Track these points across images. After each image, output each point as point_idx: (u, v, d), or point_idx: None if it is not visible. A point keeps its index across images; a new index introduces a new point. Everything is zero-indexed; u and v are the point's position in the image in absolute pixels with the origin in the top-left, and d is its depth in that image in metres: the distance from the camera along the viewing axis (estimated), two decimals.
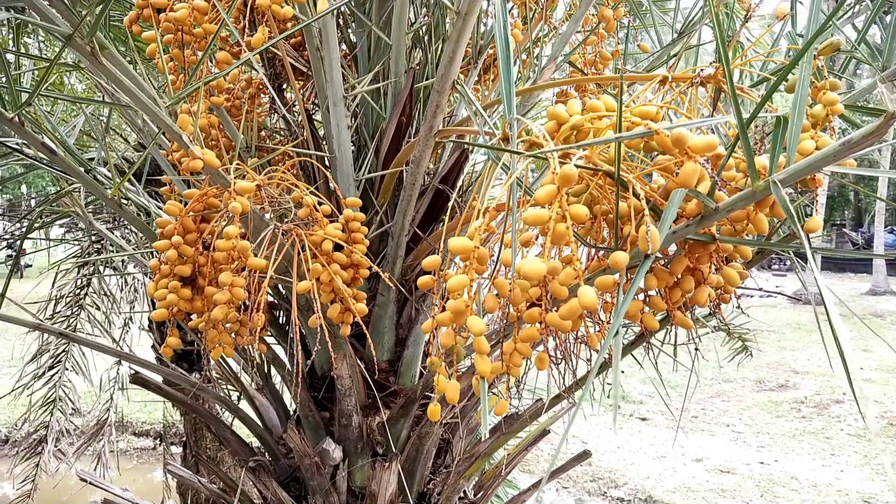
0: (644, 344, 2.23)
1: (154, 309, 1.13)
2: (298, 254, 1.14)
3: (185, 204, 1.17)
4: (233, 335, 1.18)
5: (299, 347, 1.17)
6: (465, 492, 1.65)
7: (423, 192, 1.57)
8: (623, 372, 7.89)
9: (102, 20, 0.95)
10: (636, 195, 0.87)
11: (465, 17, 1.02)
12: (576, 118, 0.90)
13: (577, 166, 0.81)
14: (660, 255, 0.97)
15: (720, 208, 0.78)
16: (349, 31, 1.80)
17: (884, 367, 9.49)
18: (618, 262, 0.75)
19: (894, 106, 0.61)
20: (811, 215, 0.99)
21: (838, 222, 25.38)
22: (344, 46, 1.83)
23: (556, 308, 0.80)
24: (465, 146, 1.66)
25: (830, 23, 1.04)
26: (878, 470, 5.99)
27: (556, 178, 0.72)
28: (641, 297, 0.97)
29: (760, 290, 1.38)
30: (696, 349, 2.28)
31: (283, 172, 1.24)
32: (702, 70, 0.94)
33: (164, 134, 1.60)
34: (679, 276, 0.95)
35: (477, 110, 1.06)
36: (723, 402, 8.07)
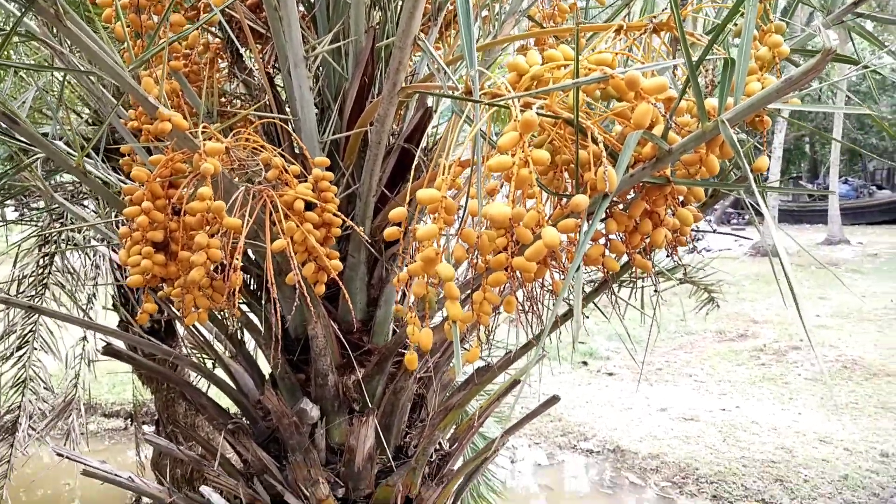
0: (611, 299, 2.31)
1: (121, 283, 1.14)
2: (270, 215, 1.15)
3: (152, 171, 1.16)
4: (208, 299, 1.20)
5: (276, 309, 1.19)
6: (440, 443, 1.70)
7: (388, 152, 1.59)
8: (585, 327, 8.08)
9: None
10: (595, 141, 0.91)
11: None
12: (535, 68, 0.93)
13: (538, 114, 0.84)
14: (618, 200, 1.01)
15: (673, 150, 0.82)
16: None
17: (839, 313, 9.89)
18: (578, 205, 0.79)
19: (830, 43, 0.65)
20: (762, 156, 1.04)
21: (795, 175, 26.04)
22: (302, 7, 1.81)
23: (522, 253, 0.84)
24: (429, 105, 1.68)
25: None
26: (832, 410, 6.30)
27: (517, 124, 0.75)
28: (603, 241, 1.01)
29: (714, 231, 1.44)
30: (657, 300, 2.37)
31: (250, 134, 1.24)
32: (654, 18, 0.98)
33: (124, 102, 1.58)
34: (637, 219, 1.00)
35: (439, 65, 1.08)
36: (685, 354, 8.33)
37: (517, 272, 0.87)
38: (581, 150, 0.88)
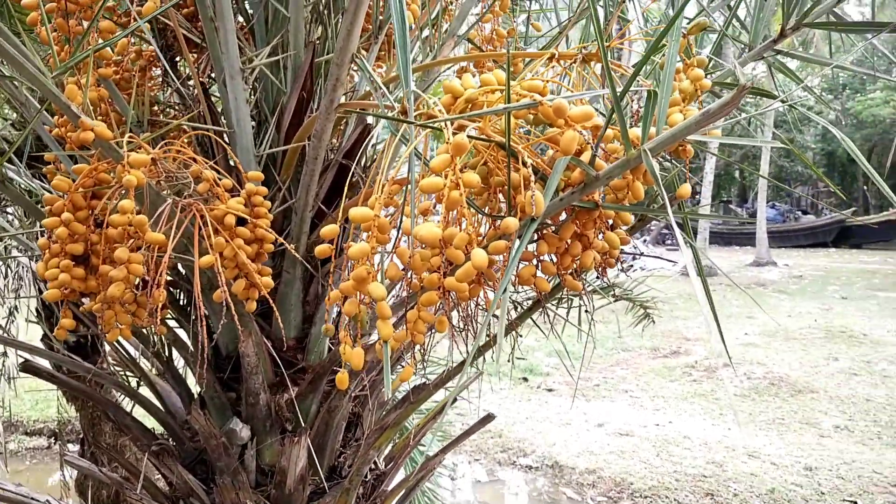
0: (548, 315, 2.33)
1: (43, 295, 1.08)
2: (199, 229, 1.12)
3: (75, 181, 1.12)
4: (131, 316, 1.15)
5: (203, 326, 1.16)
6: (376, 462, 1.68)
7: (326, 167, 1.57)
8: (524, 344, 8.16)
9: None
10: (525, 164, 0.93)
11: None
12: (470, 92, 0.94)
13: (471, 137, 0.85)
14: (550, 222, 1.03)
15: (600, 176, 0.85)
16: (245, 2, 1.76)
17: (766, 332, 10.31)
18: (508, 227, 0.80)
19: (743, 79, 0.68)
20: (685, 183, 1.08)
21: (725, 199, 27.15)
22: (241, 18, 1.79)
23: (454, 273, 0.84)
24: (369, 121, 1.68)
25: (700, 7, 1.13)
26: (760, 426, 6.54)
27: (449, 147, 0.75)
28: (535, 262, 1.03)
29: (642, 254, 1.49)
30: (594, 317, 2.41)
31: (181, 145, 1.21)
32: (584, 48, 1.01)
33: (48, 108, 1.52)
34: (568, 241, 1.02)
35: (376, 84, 1.08)
36: (622, 370, 8.52)
37: (450, 292, 0.88)
38: (514, 172, 0.89)
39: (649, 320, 4.30)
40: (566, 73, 1.07)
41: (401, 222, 0.91)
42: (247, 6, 1.74)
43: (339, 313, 1.42)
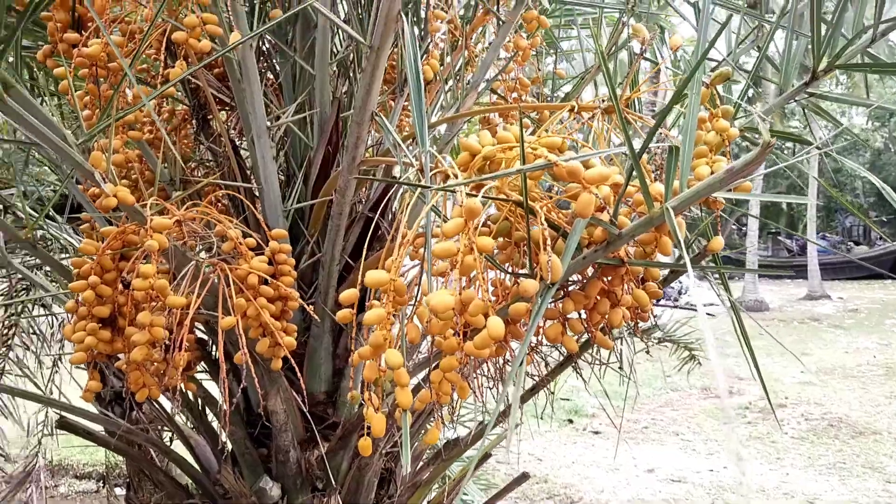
0: (592, 360, 2.27)
1: (70, 358, 1.10)
2: (224, 289, 1.13)
3: (104, 242, 1.14)
4: (158, 375, 1.16)
5: (226, 385, 1.15)
6: None
7: (353, 221, 1.58)
8: (557, 386, 7.96)
9: (10, 59, 0.93)
10: (550, 223, 0.90)
11: (378, 52, 1.04)
12: (487, 149, 0.93)
13: (488, 197, 0.83)
14: (575, 279, 1.00)
15: (623, 234, 0.81)
16: (274, 61, 1.80)
17: (823, 369, 9.87)
18: (527, 290, 0.77)
19: (767, 136, 0.65)
20: (721, 234, 1.04)
21: (773, 230, 26.43)
22: (270, 75, 1.83)
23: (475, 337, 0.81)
24: (395, 174, 1.68)
25: (720, 52, 1.10)
26: (820, 471, 6.20)
27: (462, 210, 0.74)
28: (561, 320, 0.99)
29: (676, 306, 1.43)
30: (636, 357, 2.33)
31: (206, 206, 1.23)
32: (603, 101, 0.98)
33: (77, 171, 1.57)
34: (596, 298, 0.98)
35: (396, 142, 1.08)
36: (672, 411, 8.23)
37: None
38: (536, 229, 0.86)
39: (695, 362, 4.16)
40: (588, 124, 1.05)
41: (420, 283, 0.90)
42: (276, 64, 1.78)
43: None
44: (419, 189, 0.90)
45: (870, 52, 1.25)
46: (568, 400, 8.55)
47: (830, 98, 1.19)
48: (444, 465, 1.49)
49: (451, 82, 1.66)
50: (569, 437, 7.55)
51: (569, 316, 0.98)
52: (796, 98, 1.23)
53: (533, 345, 1.17)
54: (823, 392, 8.47)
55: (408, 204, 0.98)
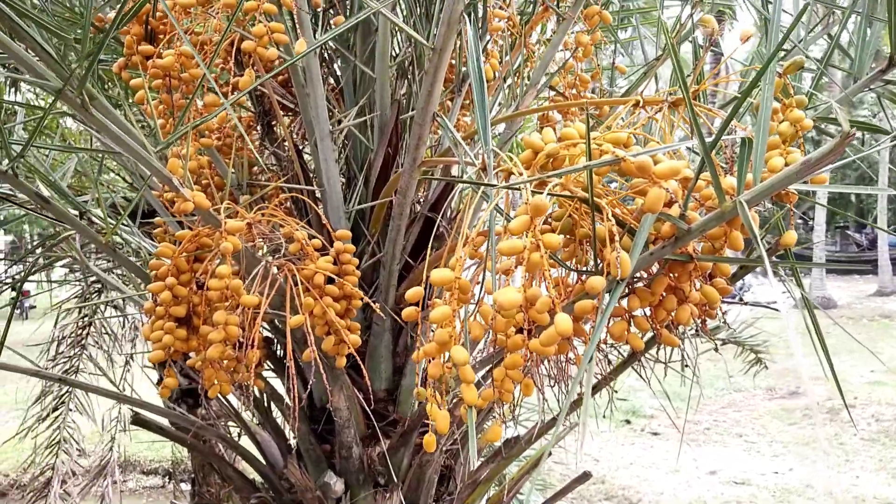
0: (651, 359, 2.25)
1: (148, 356, 1.15)
2: (291, 288, 1.16)
3: (178, 244, 1.19)
4: (230, 372, 1.20)
5: (295, 381, 1.18)
6: None
7: (412, 221, 1.59)
8: (627, 384, 7.85)
9: (92, 72, 0.98)
10: (616, 219, 0.89)
11: (440, 53, 1.05)
12: (550, 146, 0.93)
13: (553, 194, 0.83)
14: (641, 275, 0.99)
15: (692, 230, 0.80)
16: (335, 65, 1.84)
17: (895, 368, 9.41)
18: (594, 287, 0.77)
19: (846, 126, 0.63)
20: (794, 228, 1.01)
21: (841, 224, 25.34)
22: (332, 80, 1.87)
23: (540, 334, 0.81)
24: (454, 174, 1.69)
25: (791, 41, 1.06)
26: (892, 473, 5.92)
27: (528, 208, 0.74)
28: (627, 317, 0.98)
29: (744, 303, 1.39)
30: (698, 358, 2.29)
31: (273, 209, 1.26)
32: (670, 94, 0.97)
33: (154, 177, 1.64)
34: (662, 295, 0.96)
35: (457, 141, 1.08)
36: (735, 413, 8.00)
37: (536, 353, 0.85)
38: (601, 225, 0.86)
39: (761, 365, 4.02)
40: (654, 119, 1.03)
41: (483, 279, 0.90)
42: (336, 69, 1.81)
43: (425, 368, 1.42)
44: (482, 188, 0.91)
45: None
46: (625, 400, 8.41)
47: None
48: (504, 464, 1.49)
49: (509, 80, 1.66)
50: (626, 438, 7.43)
51: (634, 313, 0.97)
52: (871, 86, 1.18)
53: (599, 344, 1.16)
54: (895, 392, 8.09)
55: (469, 203, 0.99)
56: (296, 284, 1.15)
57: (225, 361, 1.20)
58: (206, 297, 1.11)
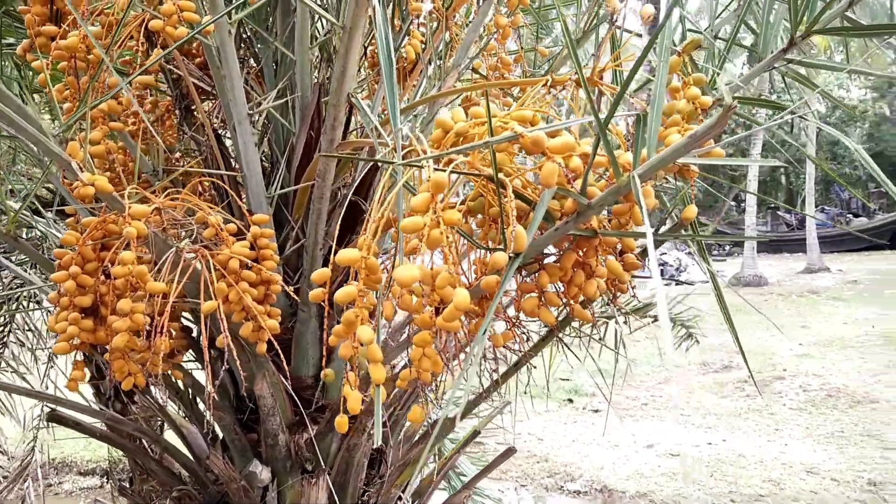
0: (587, 337, 2.28)
1: (51, 348, 1.10)
2: (206, 275, 1.13)
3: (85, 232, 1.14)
4: (143, 364, 1.17)
5: (217, 371, 1.16)
6: (401, 499, 1.65)
7: (337, 204, 1.58)
8: (570, 363, 7.99)
9: None
10: (522, 197, 0.91)
11: (351, 33, 1.04)
12: (460, 125, 0.93)
13: (457, 172, 0.83)
14: (551, 252, 1.01)
15: (592, 204, 0.82)
16: (256, 47, 1.80)
17: (821, 341, 9.91)
18: (497, 262, 0.78)
19: (729, 100, 0.65)
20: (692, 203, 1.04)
21: (772, 206, 26.42)
22: (253, 62, 1.82)
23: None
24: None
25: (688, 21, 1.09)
26: (818, 440, 6.25)
27: (429, 185, 0.74)
28: (538, 293, 1.00)
29: (650, 277, 1.43)
30: (619, 340, 2.34)
31: (187, 194, 1.23)
32: (574, 74, 0.98)
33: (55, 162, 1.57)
34: (571, 270, 0.99)
35: (371, 122, 1.08)
36: (671, 388, 8.28)
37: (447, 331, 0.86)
38: (508, 204, 0.87)
39: (692, 340, 4.17)
40: (565, 98, 1.05)
41: (395, 260, 0.90)
42: (257, 51, 1.77)
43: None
44: (391, 167, 0.90)
45: (849, 16, 1.25)
46: (568, 380, 8.60)
47: (807, 64, 1.19)
48: (434, 443, 1.50)
49: (433, 63, 1.65)
50: (569, 417, 7.60)
51: (546, 289, 0.99)
52: (775, 65, 1.23)
53: (515, 320, 1.18)
54: (822, 363, 8.52)
55: (384, 184, 0.98)
56: (211, 270, 1.12)
57: (138, 353, 1.17)
58: (113, 285, 1.08)
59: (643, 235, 1.00)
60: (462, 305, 0.70)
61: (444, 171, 0.75)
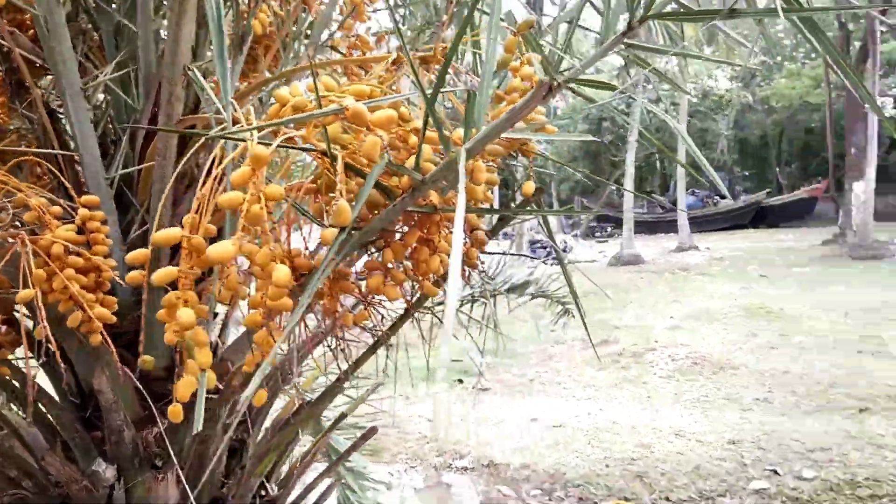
0: (468, 317, 2.30)
1: None
2: (28, 261, 1.04)
3: None
4: None
5: (27, 365, 1.07)
6: (266, 489, 1.61)
7: (189, 184, 1.50)
8: (462, 345, 8.14)
9: None
10: (359, 173, 0.89)
11: (180, 2, 0.97)
12: (297, 99, 0.90)
13: (285, 146, 0.81)
14: (395, 228, 1.00)
15: (426, 180, 0.82)
16: (96, 17, 1.66)
17: (690, 314, 10.68)
18: (326, 239, 0.77)
19: (542, 76, 0.67)
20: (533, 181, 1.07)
21: (648, 190, 28.07)
22: (97, 36, 1.69)
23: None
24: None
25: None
26: (685, 405, 6.75)
27: (250, 159, 0.71)
28: (384, 270, 1.00)
29: (504, 253, 1.48)
30: (487, 321, 2.39)
31: (4, 175, 1.12)
32: (417, 52, 0.98)
33: None
34: (415, 247, 0.99)
35: (208, 97, 1.02)
36: (555, 363, 8.65)
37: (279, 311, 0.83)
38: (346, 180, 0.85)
39: (569, 315, 4.37)
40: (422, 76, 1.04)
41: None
42: (97, 22, 1.64)
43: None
44: (219, 144, 0.86)
45: (681, 2, 1.32)
46: (459, 361, 8.76)
47: (642, 48, 1.25)
48: (292, 430, 1.47)
49: (295, 41, 1.60)
50: (459, 396, 7.75)
51: (390, 266, 0.99)
52: (616, 49, 1.28)
53: (369, 299, 1.17)
54: (690, 335, 9.19)
55: (216, 161, 0.94)
56: (32, 256, 1.03)
57: None
58: None
59: (488, 211, 1.02)
60: (282, 282, 0.68)
61: (268, 144, 0.72)
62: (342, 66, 1.59)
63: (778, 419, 6.20)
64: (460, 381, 8.26)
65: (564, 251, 20.20)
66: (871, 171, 15.31)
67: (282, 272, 0.67)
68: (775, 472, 5.17)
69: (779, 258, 16.43)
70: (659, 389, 7.21)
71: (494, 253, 1.17)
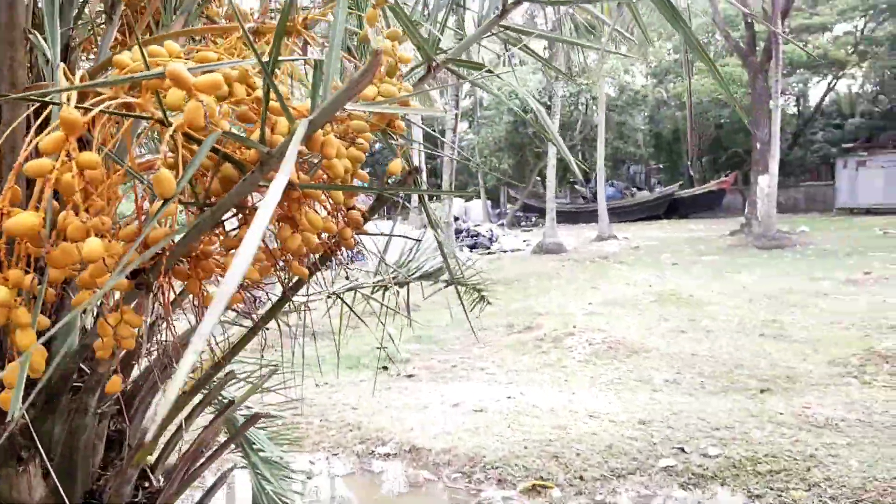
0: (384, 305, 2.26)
1: None
2: None
3: None
4: None
5: None
6: (150, 480, 1.54)
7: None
8: (388, 332, 8.09)
9: None
10: (198, 142, 0.84)
11: None
12: (134, 65, 0.85)
13: (108, 112, 0.75)
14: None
15: (273, 153, 0.79)
16: None
17: (608, 301, 11.02)
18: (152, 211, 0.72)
19: (376, 45, 0.65)
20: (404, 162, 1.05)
21: (571, 181, 28.71)
22: None
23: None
24: None
25: None
26: (601, 388, 6.97)
27: (61, 124, 0.66)
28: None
29: (382, 234, 1.47)
30: (400, 308, 2.36)
31: None
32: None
33: None
34: (280, 225, 0.96)
35: (52, 64, 0.95)
36: (479, 349, 8.75)
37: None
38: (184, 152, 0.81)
39: (485, 302, 4.41)
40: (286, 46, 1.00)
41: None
42: None
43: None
44: (56, 113, 0.80)
45: None
46: (385, 348, 8.74)
47: (516, 30, 1.26)
48: (169, 420, 1.41)
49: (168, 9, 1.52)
50: (384, 384, 7.73)
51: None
52: (493, 31, 1.28)
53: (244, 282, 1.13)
54: (607, 320, 9.48)
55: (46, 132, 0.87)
56: None
57: None
58: None
59: (352, 188, 0.99)
60: (90, 257, 0.63)
61: (83, 108, 0.67)
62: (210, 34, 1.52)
63: (685, 399, 6.49)
64: (385, 368, 8.24)
65: (491, 240, 20.47)
66: (774, 166, 16.21)
67: (91, 246, 0.63)
68: (682, 450, 5.41)
69: (689, 247, 17.18)
70: (576, 373, 7.41)
71: (375, 234, 1.14)
